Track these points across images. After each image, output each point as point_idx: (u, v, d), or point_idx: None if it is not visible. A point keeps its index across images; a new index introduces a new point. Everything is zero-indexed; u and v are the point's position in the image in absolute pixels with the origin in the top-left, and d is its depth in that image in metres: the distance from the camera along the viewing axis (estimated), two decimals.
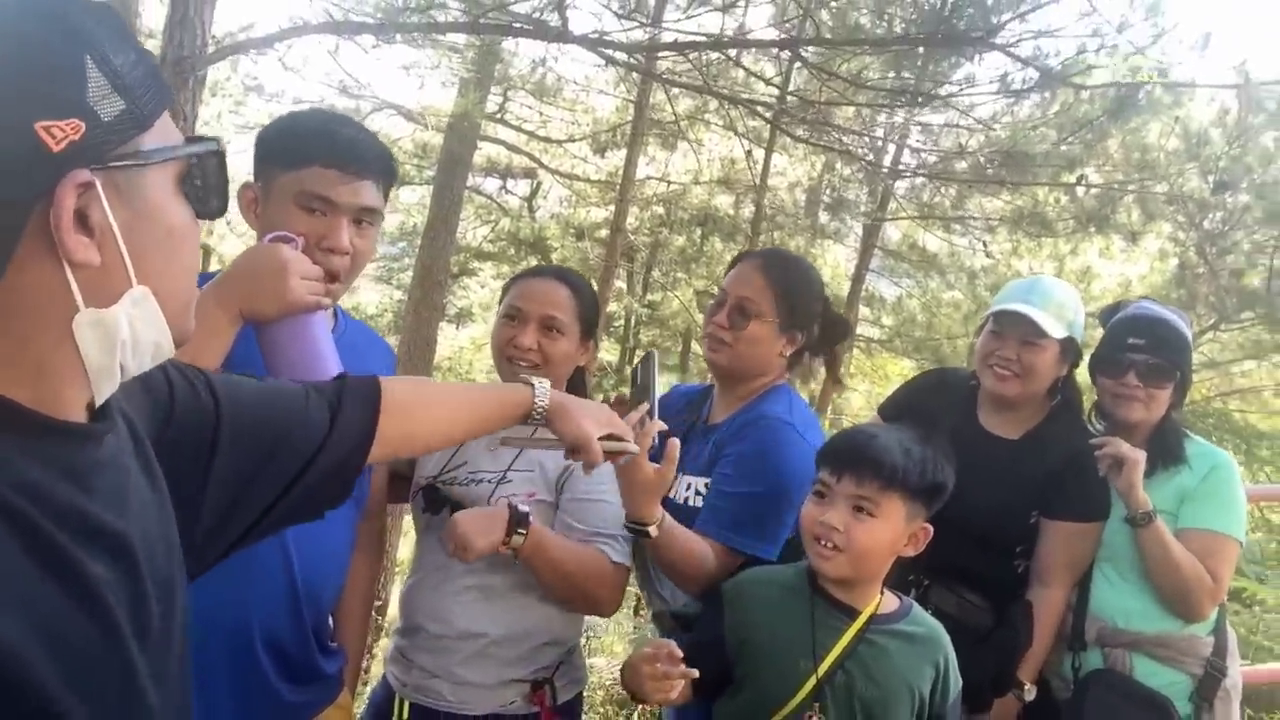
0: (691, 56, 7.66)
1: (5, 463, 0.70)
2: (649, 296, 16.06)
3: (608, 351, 15.99)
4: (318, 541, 1.63)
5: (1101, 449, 2.15)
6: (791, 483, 1.91)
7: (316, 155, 1.55)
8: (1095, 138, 9.48)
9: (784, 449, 1.95)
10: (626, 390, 1.86)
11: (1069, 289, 2.33)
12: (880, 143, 11.75)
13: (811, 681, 1.65)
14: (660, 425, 1.67)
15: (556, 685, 1.95)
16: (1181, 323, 2.29)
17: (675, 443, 1.69)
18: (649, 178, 13.82)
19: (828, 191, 13.83)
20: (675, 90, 10.13)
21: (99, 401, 0.80)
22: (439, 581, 1.95)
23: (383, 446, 1.19)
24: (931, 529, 1.73)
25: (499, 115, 12.77)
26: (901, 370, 15.25)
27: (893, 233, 14.82)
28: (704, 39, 7.00)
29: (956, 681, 1.76)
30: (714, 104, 11.07)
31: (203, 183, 0.84)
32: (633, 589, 2.12)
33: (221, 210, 0.88)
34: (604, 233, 13.71)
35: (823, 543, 1.67)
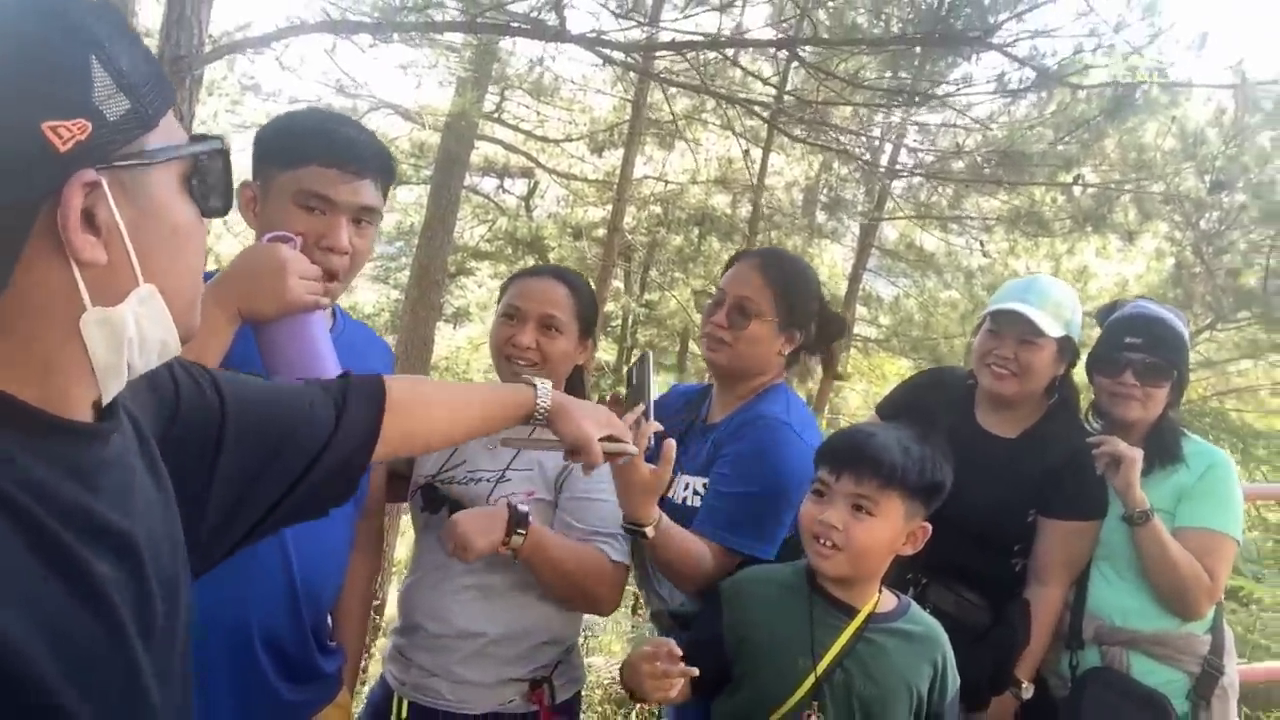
0: (689, 56, 7.67)
1: (11, 461, 0.71)
2: (646, 296, 16.06)
3: (605, 351, 15.99)
4: (317, 540, 1.63)
5: (1099, 448, 2.15)
6: (789, 482, 1.92)
7: (315, 154, 1.55)
8: (1092, 137, 9.49)
9: (781, 449, 1.96)
10: (623, 389, 1.87)
11: (1066, 288, 2.33)
12: (877, 142, 11.77)
13: (810, 680, 1.65)
14: (656, 426, 1.67)
15: (555, 684, 1.95)
16: (1178, 322, 2.30)
17: (671, 443, 1.69)
18: (646, 177, 13.81)
19: (825, 191, 13.84)
20: (673, 90, 10.12)
21: (106, 400, 0.80)
22: (438, 580, 1.95)
23: (387, 445, 1.19)
24: (930, 528, 1.73)
25: (496, 115, 12.76)
26: (898, 369, 15.26)
27: (890, 232, 14.83)
28: (701, 38, 7.01)
29: (954, 680, 1.77)
30: (711, 103, 11.07)
31: (207, 181, 0.84)
32: (631, 588, 2.12)
33: (226, 209, 0.88)
34: (601, 232, 13.71)
35: (822, 541, 1.67)
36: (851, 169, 12.58)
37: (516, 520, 1.75)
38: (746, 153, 11.86)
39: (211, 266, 1.51)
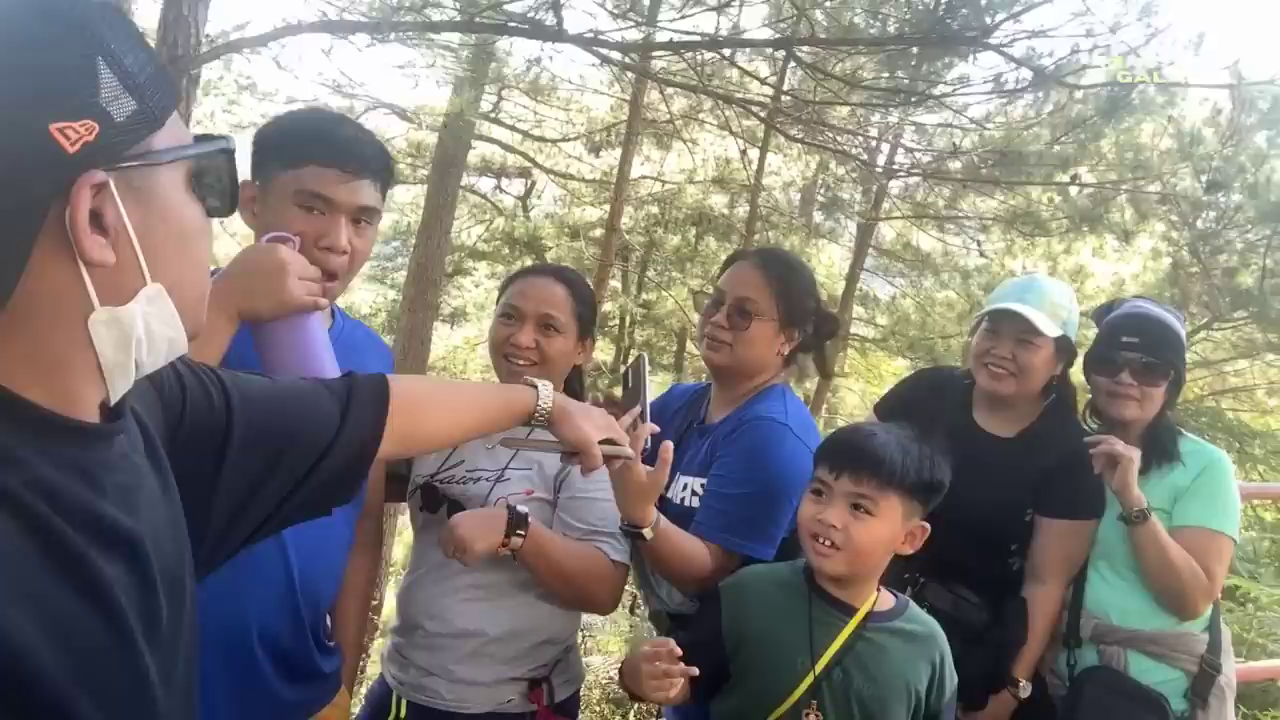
0: (686, 56, 7.67)
1: (19, 461, 0.71)
2: (644, 296, 16.04)
3: (603, 351, 15.98)
4: (315, 540, 1.63)
5: (1096, 447, 2.16)
6: (787, 483, 1.92)
7: (315, 154, 1.55)
8: (1089, 137, 9.50)
9: (778, 449, 1.96)
10: (618, 390, 1.87)
11: (1063, 288, 2.34)
12: (874, 142, 11.78)
13: (809, 679, 1.66)
14: (653, 428, 1.67)
15: (554, 683, 1.95)
16: (1175, 321, 2.30)
17: (668, 445, 1.70)
18: (644, 177, 13.81)
19: (822, 191, 13.85)
20: (670, 89, 10.13)
21: (114, 399, 0.81)
22: (436, 580, 1.95)
23: (391, 444, 1.20)
24: (928, 527, 1.73)
25: (493, 114, 12.75)
26: (895, 369, 15.26)
27: (887, 232, 14.84)
28: (699, 38, 7.00)
29: (952, 679, 1.77)
30: (709, 103, 11.08)
31: (212, 181, 0.85)
32: (630, 588, 2.12)
33: (231, 208, 0.88)
34: (599, 232, 13.70)
35: (820, 540, 1.67)
36: (849, 169, 12.58)
37: (516, 521, 1.75)
38: (744, 152, 11.86)
39: (210, 266, 1.51)
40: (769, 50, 8.80)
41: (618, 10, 7.08)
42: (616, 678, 4.73)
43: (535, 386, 1.45)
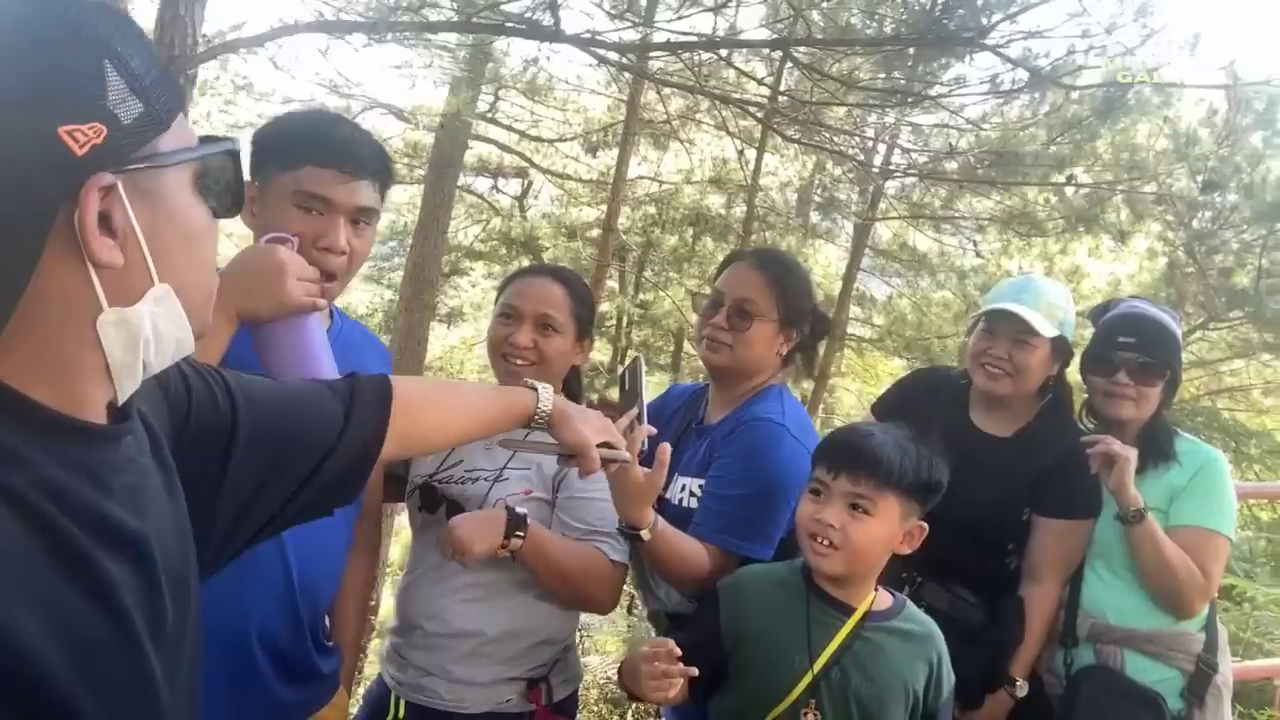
0: (683, 56, 7.67)
1: (26, 461, 0.71)
2: (641, 296, 16.05)
3: (600, 351, 15.98)
4: (314, 540, 1.63)
5: (1093, 447, 2.16)
6: (784, 484, 1.92)
7: (314, 155, 1.55)
8: (1084, 138, 9.52)
9: (776, 450, 1.96)
10: (613, 391, 1.88)
11: (1060, 288, 2.35)
12: (871, 143, 11.81)
13: (807, 678, 1.66)
14: (649, 430, 1.68)
15: (552, 683, 1.95)
16: (1171, 321, 2.31)
17: (666, 448, 1.70)
18: (641, 177, 13.81)
19: (819, 191, 13.86)
20: (667, 90, 10.13)
21: (121, 399, 0.81)
22: (435, 580, 1.95)
23: (393, 445, 1.20)
24: (926, 527, 1.74)
25: (490, 114, 12.75)
26: (892, 369, 15.28)
27: (883, 232, 14.85)
28: (696, 39, 7.00)
29: (949, 678, 1.78)
30: (706, 104, 11.07)
31: (218, 182, 0.85)
32: (627, 587, 2.13)
33: (237, 209, 0.89)
34: (596, 232, 13.69)
35: (819, 540, 1.68)
36: (845, 169, 12.60)
37: (515, 523, 1.75)
38: (741, 153, 11.87)
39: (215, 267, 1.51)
40: (766, 51, 8.80)
41: (615, 11, 7.08)
42: (614, 677, 4.73)
43: (535, 389, 1.45)
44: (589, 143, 13.64)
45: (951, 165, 10.62)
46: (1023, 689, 2.25)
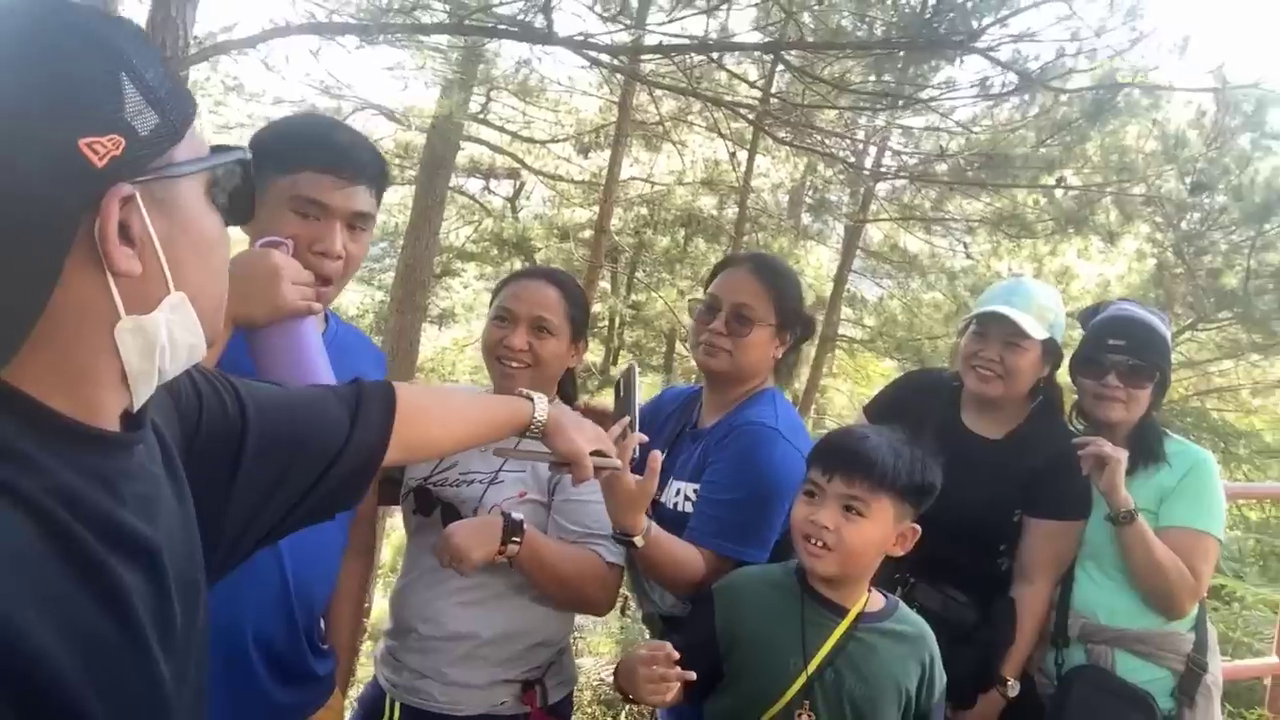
0: (675, 59, 7.68)
1: (42, 468, 0.72)
2: (633, 297, 16.06)
3: (592, 352, 15.99)
4: (310, 543, 1.62)
5: (1084, 448, 2.18)
6: (778, 487, 1.93)
7: (311, 159, 1.55)
8: (1074, 140, 9.58)
9: (769, 454, 1.97)
10: (600, 397, 1.89)
11: (1050, 291, 2.36)
12: (862, 145, 11.84)
13: (802, 679, 1.67)
14: (641, 438, 1.69)
15: (547, 685, 1.96)
16: (1160, 324, 2.33)
17: (657, 455, 1.71)
18: (633, 178, 13.81)
19: (810, 193, 13.91)
20: (659, 91, 10.14)
21: (136, 405, 0.82)
22: (430, 583, 1.95)
23: (396, 451, 1.21)
24: (919, 529, 1.75)
25: (482, 115, 12.74)
26: (883, 370, 15.33)
27: (874, 234, 14.91)
28: (688, 42, 7.01)
29: (942, 679, 1.79)
30: (698, 105, 11.10)
31: (230, 190, 0.87)
32: (622, 590, 2.13)
33: (248, 217, 0.91)
34: (588, 233, 13.70)
35: (813, 541, 1.69)
36: (836, 171, 12.64)
37: (511, 529, 1.76)
38: (733, 154, 11.90)
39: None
40: (757, 53, 8.82)
41: (607, 13, 7.08)
42: (608, 679, 4.73)
43: (531, 399, 1.47)
44: (581, 144, 13.64)
45: (942, 167, 10.68)
46: (1014, 689, 2.26)
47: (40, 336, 0.73)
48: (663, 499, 2.06)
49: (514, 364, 1.96)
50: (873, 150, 12.27)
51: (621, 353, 16.01)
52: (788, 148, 11.04)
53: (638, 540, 1.77)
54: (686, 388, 2.40)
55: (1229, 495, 2.65)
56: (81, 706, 0.70)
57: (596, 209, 12.15)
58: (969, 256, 13.70)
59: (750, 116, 9.14)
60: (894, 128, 10.81)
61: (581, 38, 6.33)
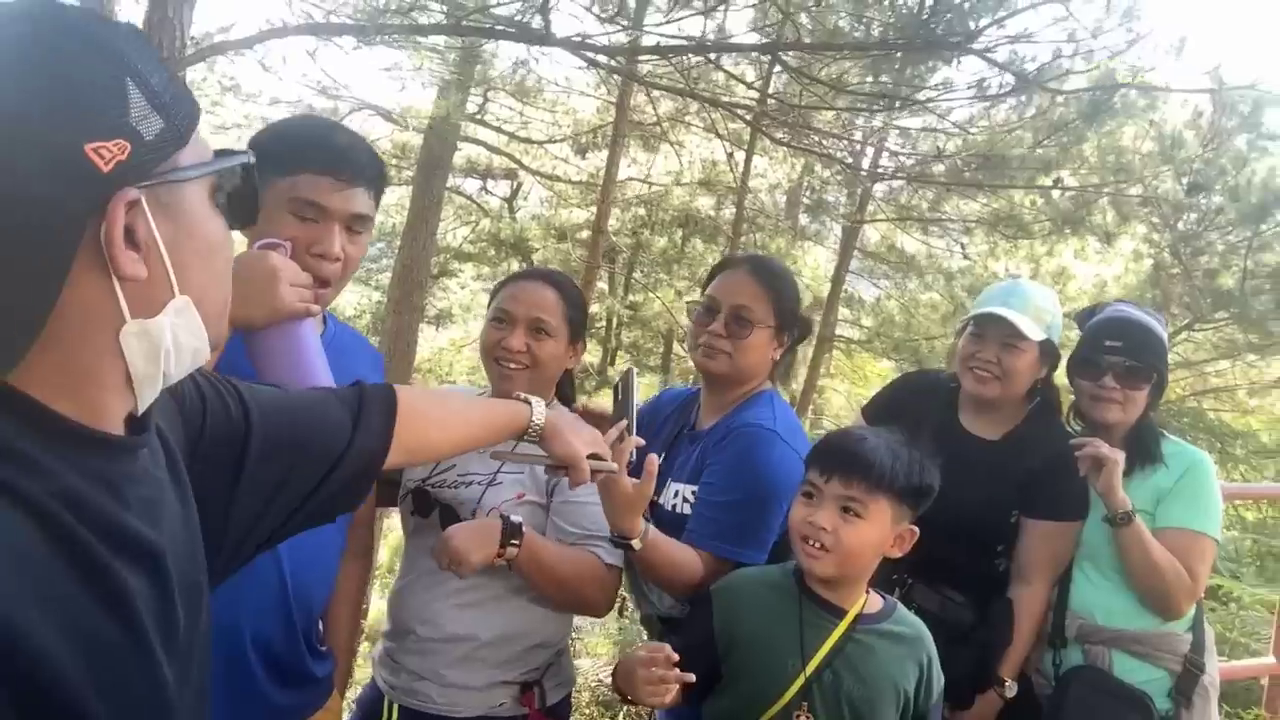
0: (673, 59, 7.68)
1: (47, 472, 0.72)
2: (631, 297, 16.06)
3: (589, 353, 15.99)
4: (308, 545, 1.62)
5: (1081, 450, 2.18)
6: (776, 488, 1.93)
7: (310, 162, 1.55)
8: (1071, 141, 9.59)
9: (767, 455, 1.97)
10: (603, 391, 1.89)
11: (1048, 293, 2.37)
12: (859, 146, 11.84)
13: (800, 680, 1.67)
14: (638, 441, 1.69)
15: (545, 687, 1.96)
16: (1157, 325, 2.33)
17: (653, 459, 1.71)
18: (630, 179, 13.83)
19: (807, 193, 13.92)
20: (656, 92, 10.14)
21: (141, 409, 0.82)
22: (428, 585, 1.95)
23: (397, 454, 1.21)
24: (917, 531, 1.75)
25: (479, 116, 12.73)
26: (880, 371, 15.35)
27: (871, 234, 14.93)
28: (685, 43, 7.01)
29: (939, 680, 1.79)
30: (695, 106, 11.10)
31: (234, 194, 0.87)
32: (620, 590, 2.13)
33: (251, 220, 0.91)
34: (585, 234, 13.71)
35: (810, 543, 1.69)
36: (834, 172, 12.65)
37: (510, 531, 1.76)
38: (730, 155, 11.91)
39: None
40: (755, 54, 8.83)
41: (604, 14, 7.08)
42: (606, 680, 4.73)
43: (529, 403, 1.48)
44: (578, 144, 13.64)
45: (939, 168, 10.69)
46: (1012, 689, 2.27)
47: (46, 340, 0.73)
48: (661, 500, 2.06)
49: (512, 365, 1.96)
50: (870, 151, 12.28)
51: (619, 353, 16.02)
52: (785, 148, 11.05)
53: (635, 543, 1.77)
54: (684, 389, 2.40)
55: (1226, 496, 2.65)
56: (83, 708, 0.70)
57: (594, 209, 12.16)
58: (966, 257, 13.72)
59: (747, 117, 9.14)
60: (891, 128, 10.82)
61: (579, 38, 6.32)
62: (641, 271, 16.06)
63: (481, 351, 2.06)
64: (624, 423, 1.69)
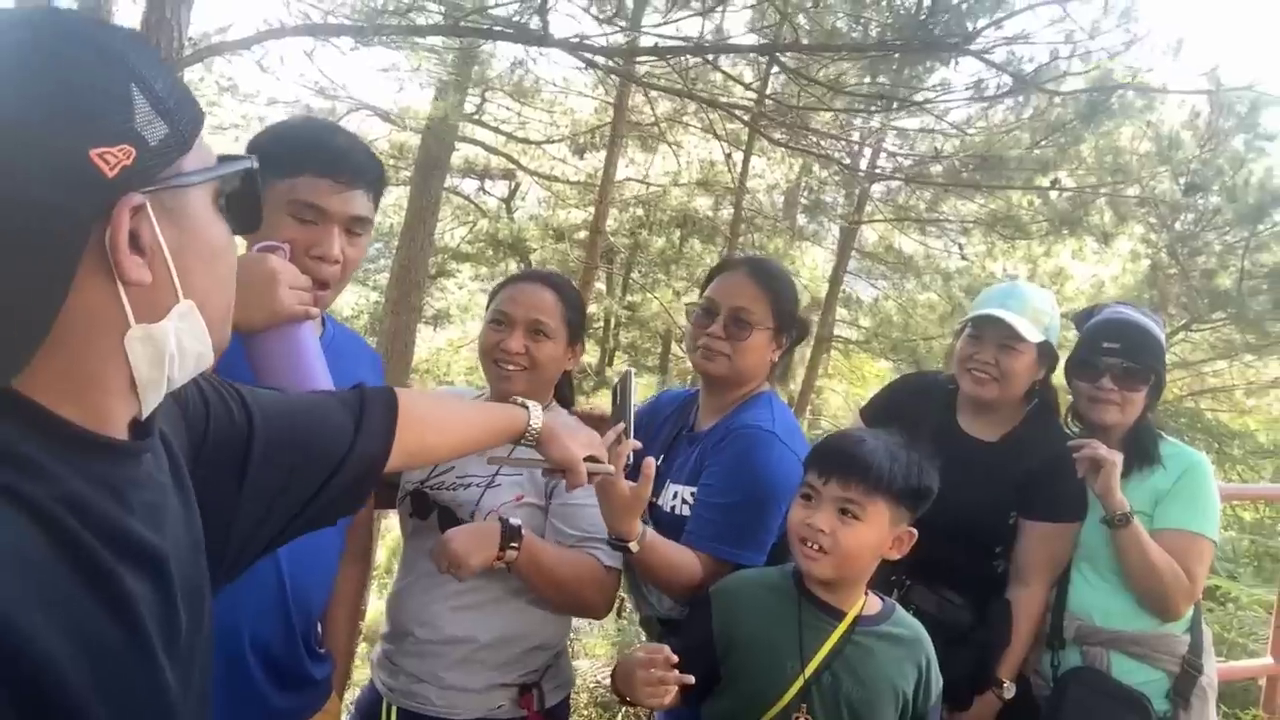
0: (671, 60, 7.68)
1: (52, 476, 0.72)
2: (629, 298, 16.07)
3: (588, 353, 15.96)
4: (307, 547, 1.61)
5: (1079, 451, 2.18)
6: (775, 490, 1.93)
7: (309, 164, 1.55)
8: (1068, 141, 9.61)
9: (765, 457, 1.97)
10: (601, 392, 1.89)
11: (1045, 294, 2.37)
12: (857, 146, 11.86)
13: (799, 682, 1.67)
14: (635, 444, 1.69)
15: (544, 689, 1.96)
16: (1155, 326, 2.34)
17: (650, 462, 1.71)
18: (628, 179, 13.84)
19: (805, 194, 13.93)
20: (654, 93, 10.14)
21: (145, 414, 0.82)
22: (427, 587, 1.95)
23: (397, 458, 1.21)
24: (915, 533, 1.75)
25: (477, 116, 12.73)
26: (878, 371, 15.37)
27: (869, 235, 14.94)
28: (683, 43, 7.02)
29: (938, 681, 1.80)
30: (693, 107, 11.10)
31: (238, 199, 0.87)
32: (620, 592, 2.13)
33: (255, 225, 0.91)
34: (583, 234, 13.72)
35: (809, 544, 1.69)
36: (831, 172, 12.66)
37: (510, 534, 1.76)
38: (728, 156, 11.91)
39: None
40: (752, 55, 8.83)
41: (602, 15, 7.08)
42: (605, 682, 4.72)
43: (526, 407, 1.48)
44: (576, 145, 13.65)
45: (936, 169, 10.70)
46: (1010, 690, 2.27)
47: (51, 345, 0.73)
48: (660, 502, 2.06)
49: (511, 367, 1.96)
50: (868, 152, 12.30)
51: (617, 353, 16.02)
52: (783, 149, 11.06)
53: (632, 546, 1.77)
54: (683, 391, 2.40)
55: (1223, 497, 2.66)
56: (86, 712, 0.70)
57: (592, 210, 12.17)
58: (964, 257, 13.75)
59: (745, 118, 9.15)
60: (889, 129, 10.83)
61: (577, 39, 6.32)
62: (639, 272, 16.07)
63: (480, 353, 2.06)
64: (621, 425, 1.69)
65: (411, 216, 10.49)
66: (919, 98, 8.05)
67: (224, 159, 0.85)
